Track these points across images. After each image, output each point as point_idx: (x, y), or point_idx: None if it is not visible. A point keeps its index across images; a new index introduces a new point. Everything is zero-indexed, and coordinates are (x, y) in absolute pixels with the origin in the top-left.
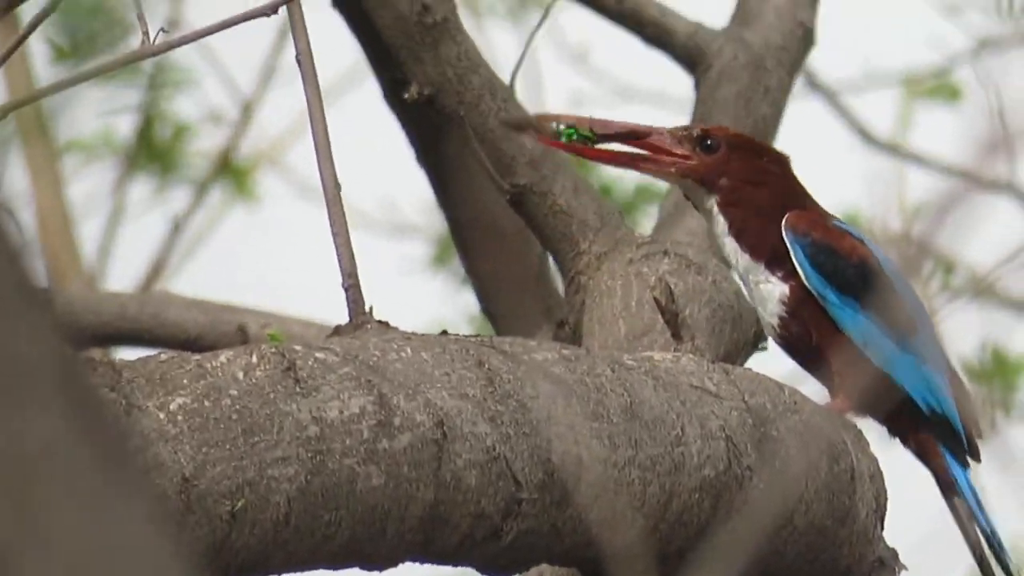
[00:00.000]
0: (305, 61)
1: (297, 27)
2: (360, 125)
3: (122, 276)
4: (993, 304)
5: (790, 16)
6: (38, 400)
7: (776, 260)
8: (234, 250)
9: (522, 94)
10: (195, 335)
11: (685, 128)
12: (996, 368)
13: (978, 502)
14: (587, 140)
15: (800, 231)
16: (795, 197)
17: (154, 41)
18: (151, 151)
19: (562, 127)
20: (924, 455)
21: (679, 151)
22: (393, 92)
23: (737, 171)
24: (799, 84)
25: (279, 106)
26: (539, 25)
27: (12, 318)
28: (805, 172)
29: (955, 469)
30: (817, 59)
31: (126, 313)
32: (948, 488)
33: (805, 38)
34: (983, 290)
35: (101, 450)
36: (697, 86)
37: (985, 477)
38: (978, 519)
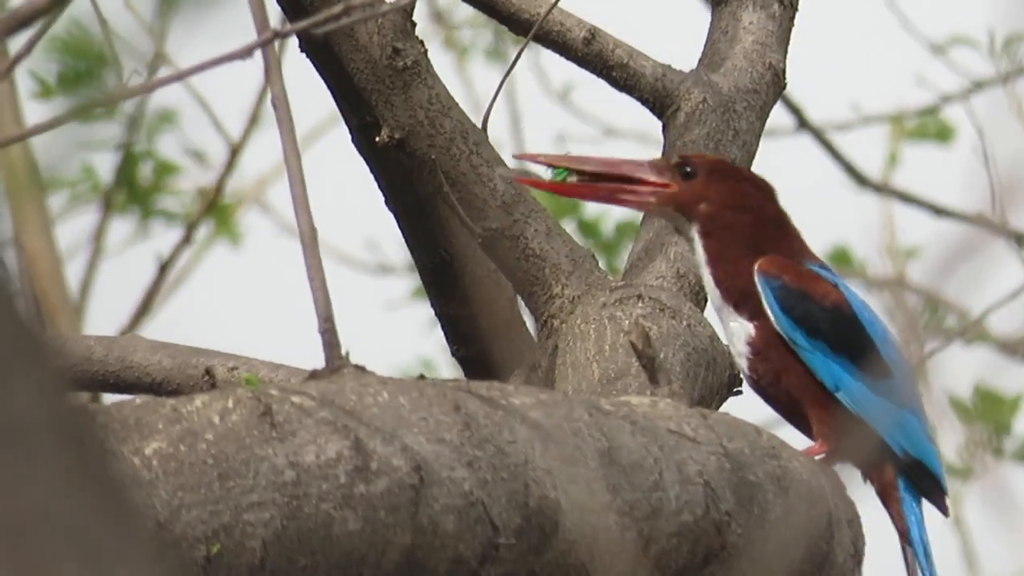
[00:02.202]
0: (280, 105)
1: (272, 71)
2: (345, 163)
3: (104, 316)
4: (983, 345)
5: (760, 59)
6: (38, 456)
7: (744, 300)
8: (215, 287)
9: (503, 133)
10: (161, 379)
11: (666, 157)
12: (985, 409)
13: (927, 554)
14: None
15: (772, 274)
16: (777, 226)
17: (127, 83)
18: (132, 190)
19: (551, 170)
20: (884, 499)
21: (658, 180)
22: (362, 135)
23: (716, 196)
24: (790, 123)
25: (264, 144)
26: (509, 70)
27: (11, 373)
28: (794, 211)
29: (911, 517)
30: (806, 98)
31: (92, 356)
32: (901, 535)
33: (775, 81)
34: (973, 331)
35: (101, 506)
36: (665, 129)
37: (975, 517)
38: (923, 571)
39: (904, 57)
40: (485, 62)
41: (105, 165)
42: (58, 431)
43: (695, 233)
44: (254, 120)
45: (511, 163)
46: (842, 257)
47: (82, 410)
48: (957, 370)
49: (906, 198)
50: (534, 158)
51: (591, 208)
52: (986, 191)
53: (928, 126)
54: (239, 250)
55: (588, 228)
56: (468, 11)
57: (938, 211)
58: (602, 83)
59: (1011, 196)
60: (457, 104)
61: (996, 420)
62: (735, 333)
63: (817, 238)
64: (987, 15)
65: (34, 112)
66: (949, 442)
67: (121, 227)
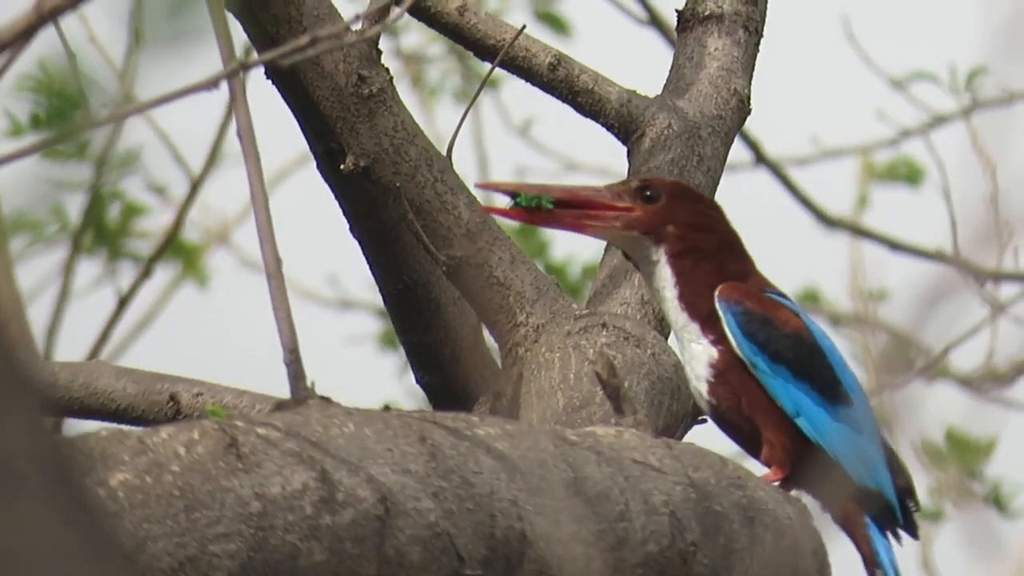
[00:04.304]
0: (246, 136)
1: (238, 102)
2: (308, 203)
3: (71, 357)
4: (949, 383)
5: (725, 85)
6: (26, 492)
7: (709, 322)
8: (183, 327)
9: (468, 167)
10: (126, 405)
11: (623, 182)
12: (957, 453)
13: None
14: (535, 208)
15: (732, 300)
16: (735, 247)
17: (95, 116)
18: (100, 231)
19: (513, 199)
20: (849, 526)
21: (621, 205)
22: (327, 162)
23: (682, 218)
24: (747, 159)
25: (230, 182)
26: (476, 94)
27: (3, 410)
28: (752, 247)
29: (878, 542)
30: (764, 132)
31: (57, 382)
32: (870, 562)
33: (740, 107)
34: (939, 369)
35: (87, 541)
36: (630, 155)
37: (947, 560)
38: None
39: (865, 92)
40: (450, 102)
41: (74, 206)
42: (45, 466)
43: (662, 255)
44: (214, 154)
45: (474, 192)
46: (809, 296)
47: (66, 444)
48: (928, 411)
49: (865, 233)
50: (496, 187)
51: (558, 250)
52: (947, 226)
53: (898, 168)
54: (206, 288)
55: (555, 271)
56: (435, 48)
57: (896, 246)
58: (563, 117)
59: (975, 233)
60: (422, 132)
61: (967, 464)
62: (696, 355)
63: (778, 274)
64: (948, 50)
65: (5, 151)
66: (920, 484)
67: (88, 269)
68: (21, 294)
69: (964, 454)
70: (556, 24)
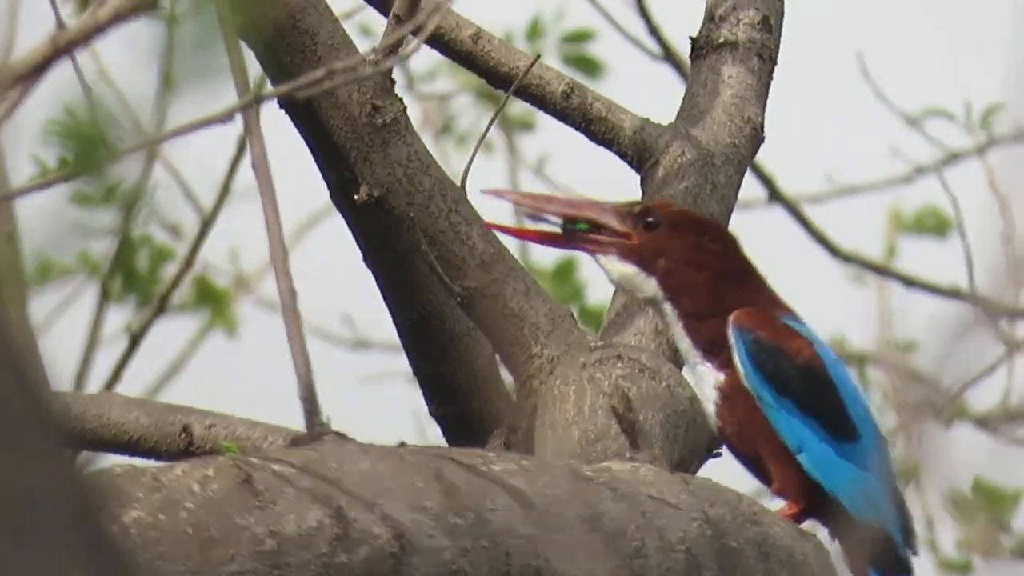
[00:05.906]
0: (260, 168)
1: (253, 134)
2: (342, 246)
3: None
4: (969, 425)
5: (738, 113)
6: (46, 531)
7: (714, 348)
8: (207, 369)
9: (504, 211)
10: (138, 436)
11: (630, 203)
12: (982, 502)
13: None
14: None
15: (746, 327)
16: (739, 278)
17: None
18: (129, 277)
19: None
20: (849, 560)
21: (620, 229)
22: (341, 191)
23: (675, 251)
24: (761, 195)
25: (253, 223)
26: (491, 123)
27: (25, 448)
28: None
29: None
30: (778, 168)
31: (69, 413)
32: None
33: (754, 135)
34: (958, 410)
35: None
36: (643, 183)
37: None
38: None
39: (880, 129)
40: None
41: (101, 251)
42: (68, 503)
43: (656, 290)
44: (225, 191)
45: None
46: (833, 341)
47: (88, 481)
48: (955, 459)
49: (879, 270)
50: (500, 194)
51: (593, 296)
52: (963, 263)
53: (925, 219)
54: (232, 332)
55: (591, 315)
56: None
57: (911, 283)
58: (573, 158)
59: (991, 270)
60: (436, 162)
61: (995, 515)
62: (703, 377)
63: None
64: (963, 87)
65: (35, 196)
66: (948, 536)
67: (117, 315)
68: (35, 334)
69: (992, 505)
70: (588, 66)
